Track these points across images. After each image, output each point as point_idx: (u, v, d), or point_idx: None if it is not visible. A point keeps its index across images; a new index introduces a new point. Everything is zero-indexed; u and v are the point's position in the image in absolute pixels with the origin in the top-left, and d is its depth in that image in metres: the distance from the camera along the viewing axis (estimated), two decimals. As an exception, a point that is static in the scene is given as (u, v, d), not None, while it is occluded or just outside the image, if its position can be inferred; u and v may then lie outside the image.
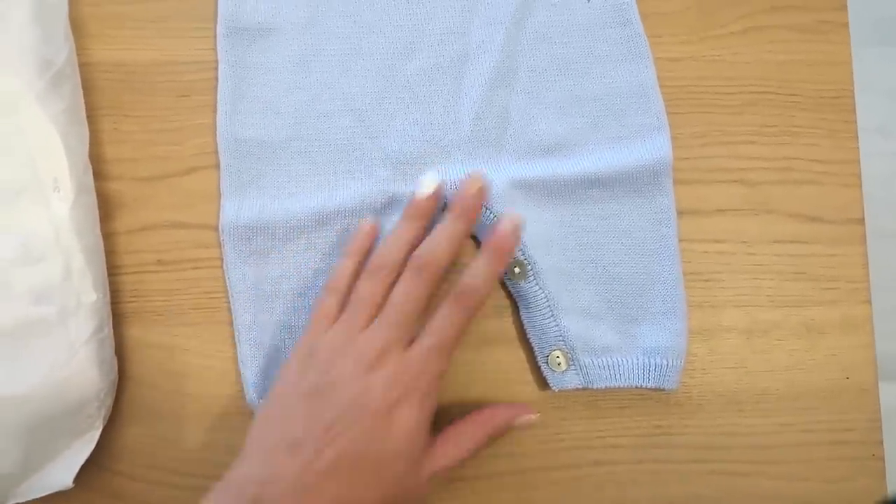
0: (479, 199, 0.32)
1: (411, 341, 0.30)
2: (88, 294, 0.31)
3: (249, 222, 0.34)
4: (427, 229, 0.32)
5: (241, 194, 0.34)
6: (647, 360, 0.33)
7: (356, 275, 0.32)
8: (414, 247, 0.31)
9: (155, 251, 0.35)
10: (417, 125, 0.35)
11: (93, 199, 0.34)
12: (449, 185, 0.34)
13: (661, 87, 0.36)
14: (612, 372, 0.33)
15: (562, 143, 0.35)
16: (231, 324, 0.34)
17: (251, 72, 0.36)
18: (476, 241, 0.35)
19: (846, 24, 0.37)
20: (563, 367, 0.33)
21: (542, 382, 0.34)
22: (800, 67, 0.37)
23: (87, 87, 0.36)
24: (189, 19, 0.37)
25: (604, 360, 0.33)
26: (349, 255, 0.32)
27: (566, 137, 0.35)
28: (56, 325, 0.30)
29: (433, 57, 0.36)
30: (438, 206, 0.33)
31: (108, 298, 0.33)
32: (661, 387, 0.33)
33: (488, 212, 0.33)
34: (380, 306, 0.30)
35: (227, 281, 0.34)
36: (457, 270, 0.34)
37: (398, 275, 0.31)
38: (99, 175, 0.35)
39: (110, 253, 0.34)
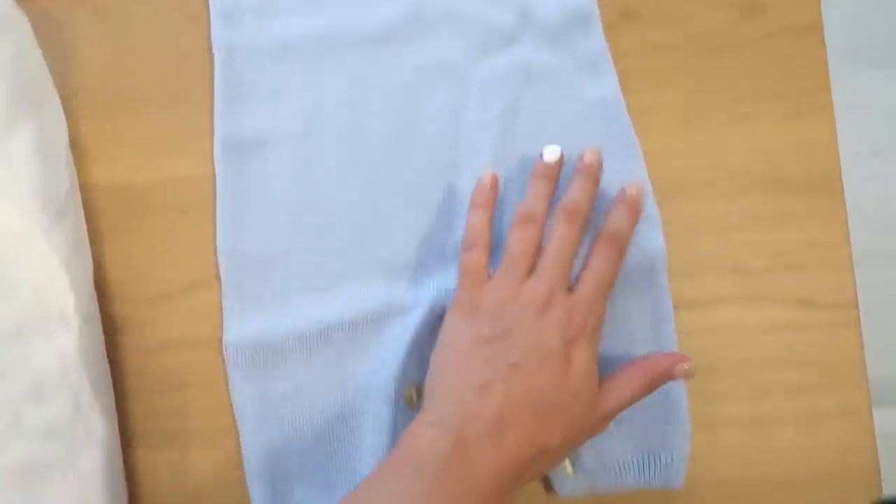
0: (601, 162, 0.34)
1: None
2: (98, 427, 0.32)
3: (251, 340, 0.35)
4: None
5: (243, 310, 0.35)
6: (651, 459, 0.33)
7: (489, 226, 0.33)
8: (548, 202, 0.33)
9: (162, 371, 0.36)
10: (413, 232, 0.36)
11: (98, 326, 0.34)
12: (445, 291, 0.34)
13: (651, 179, 0.36)
14: (617, 474, 0.33)
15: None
16: (239, 442, 0.34)
17: (249, 184, 0.36)
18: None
19: (830, 107, 0.38)
20: (570, 472, 0.33)
21: (548, 485, 0.34)
22: (787, 152, 0.37)
23: (89, 208, 0.36)
24: (187, 134, 0.38)
25: (608, 460, 0.34)
26: (479, 207, 0.34)
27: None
28: (66, 463, 0.30)
29: (426, 164, 0.37)
30: (561, 171, 0.35)
31: (116, 426, 0.34)
32: (668, 485, 0.33)
33: None
34: (535, 255, 0.32)
35: (233, 399, 0.34)
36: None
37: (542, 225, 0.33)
38: (104, 297, 0.36)
39: (117, 375, 0.35)
